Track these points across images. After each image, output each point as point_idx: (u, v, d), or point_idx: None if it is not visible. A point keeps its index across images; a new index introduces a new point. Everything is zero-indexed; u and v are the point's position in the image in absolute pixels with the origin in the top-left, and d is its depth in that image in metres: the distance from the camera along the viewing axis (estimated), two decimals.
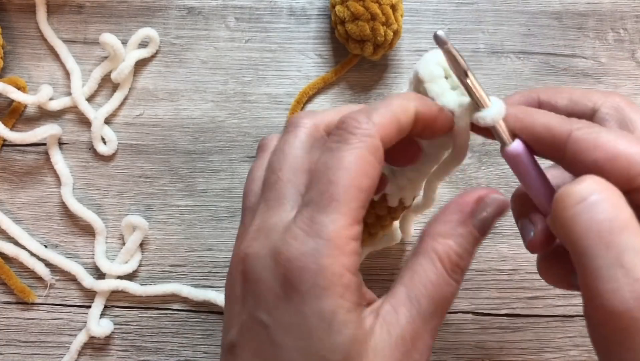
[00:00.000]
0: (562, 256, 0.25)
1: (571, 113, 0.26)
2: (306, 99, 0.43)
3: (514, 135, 0.24)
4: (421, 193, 0.34)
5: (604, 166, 0.21)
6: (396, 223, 0.38)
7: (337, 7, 0.40)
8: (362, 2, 0.39)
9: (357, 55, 0.43)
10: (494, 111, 0.24)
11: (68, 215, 0.41)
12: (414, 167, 0.29)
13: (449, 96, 0.26)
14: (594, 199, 0.20)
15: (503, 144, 0.25)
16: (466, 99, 0.25)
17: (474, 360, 0.38)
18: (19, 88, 0.42)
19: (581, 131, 0.22)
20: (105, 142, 0.42)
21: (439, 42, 0.23)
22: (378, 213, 0.33)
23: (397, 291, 0.22)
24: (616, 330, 0.19)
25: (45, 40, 0.44)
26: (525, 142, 0.24)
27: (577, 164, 0.22)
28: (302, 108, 0.43)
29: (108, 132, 0.42)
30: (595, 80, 0.44)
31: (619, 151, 0.21)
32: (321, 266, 0.21)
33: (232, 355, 0.23)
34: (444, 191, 0.42)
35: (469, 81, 0.24)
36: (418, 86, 0.27)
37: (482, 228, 0.23)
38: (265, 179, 0.25)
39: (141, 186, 0.42)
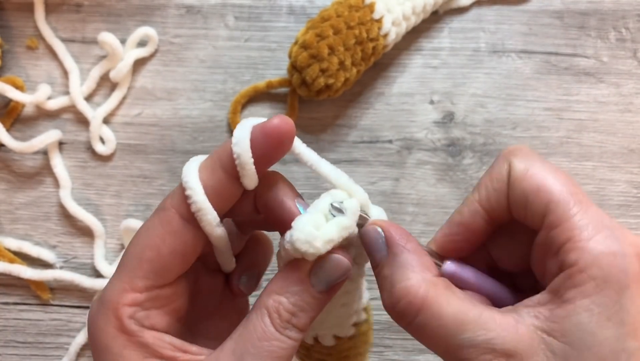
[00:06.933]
0: None
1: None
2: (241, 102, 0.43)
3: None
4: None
5: None
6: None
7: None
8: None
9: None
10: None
11: (66, 216, 0.41)
12: (341, 302, 0.27)
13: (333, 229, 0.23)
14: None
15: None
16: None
17: None
18: (17, 87, 0.42)
19: None
20: (103, 142, 0.42)
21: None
22: (321, 358, 0.30)
23: (225, 346, 0.22)
24: None
25: (43, 39, 0.44)
26: None
27: None
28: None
29: (106, 131, 0.42)
30: (597, 79, 0.44)
31: None
32: (95, 327, 0.23)
33: None
34: (443, 192, 0.41)
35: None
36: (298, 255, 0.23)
37: (322, 286, 0.23)
38: None
39: (139, 186, 0.42)
